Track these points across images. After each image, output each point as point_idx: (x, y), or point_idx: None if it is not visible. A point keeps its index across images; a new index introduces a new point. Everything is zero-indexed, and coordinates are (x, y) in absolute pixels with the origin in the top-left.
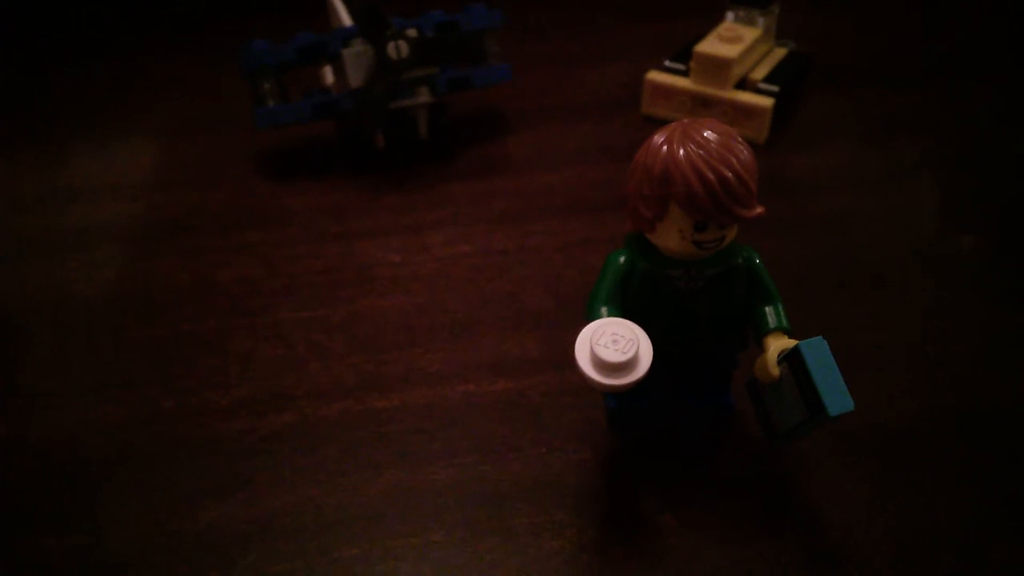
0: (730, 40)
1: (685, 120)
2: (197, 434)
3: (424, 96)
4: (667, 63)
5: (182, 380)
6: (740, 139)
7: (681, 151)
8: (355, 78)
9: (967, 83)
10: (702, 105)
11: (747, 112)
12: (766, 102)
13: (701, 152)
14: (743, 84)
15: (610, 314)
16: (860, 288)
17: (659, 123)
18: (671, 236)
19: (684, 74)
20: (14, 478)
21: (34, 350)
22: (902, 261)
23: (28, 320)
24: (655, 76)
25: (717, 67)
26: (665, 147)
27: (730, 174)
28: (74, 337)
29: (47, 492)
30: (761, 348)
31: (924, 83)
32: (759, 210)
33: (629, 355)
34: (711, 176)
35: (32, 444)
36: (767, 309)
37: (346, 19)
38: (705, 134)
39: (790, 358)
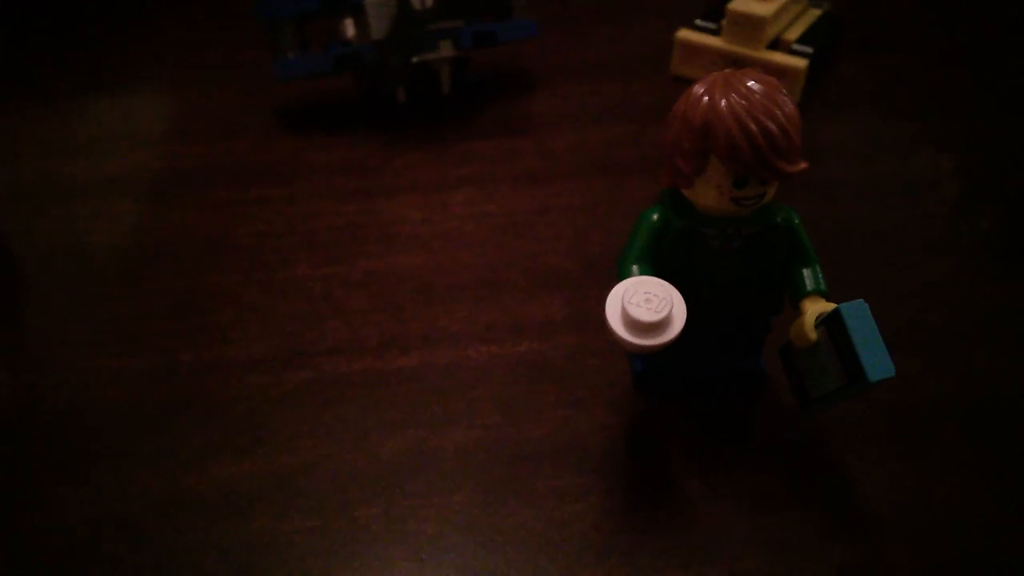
0: None
1: (727, 70)
2: (214, 389)
3: (447, 50)
4: (698, 21)
5: (199, 334)
6: (784, 91)
7: (723, 101)
8: (377, 30)
9: (998, 55)
10: (733, 65)
11: (780, 73)
12: (800, 63)
13: (744, 103)
14: (776, 44)
15: (642, 272)
16: (886, 258)
17: (689, 83)
18: (709, 192)
19: (716, 33)
20: (29, 430)
21: (50, 301)
22: (931, 233)
23: (45, 271)
24: (686, 34)
25: (750, 26)
26: (706, 97)
27: (774, 126)
28: (91, 289)
29: (62, 444)
30: (797, 311)
31: (957, 52)
32: (802, 165)
33: (662, 315)
34: (754, 128)
35: (48, 395)
36: (805, 271)
37: None
38: (749, 84)
39: (828, 322)
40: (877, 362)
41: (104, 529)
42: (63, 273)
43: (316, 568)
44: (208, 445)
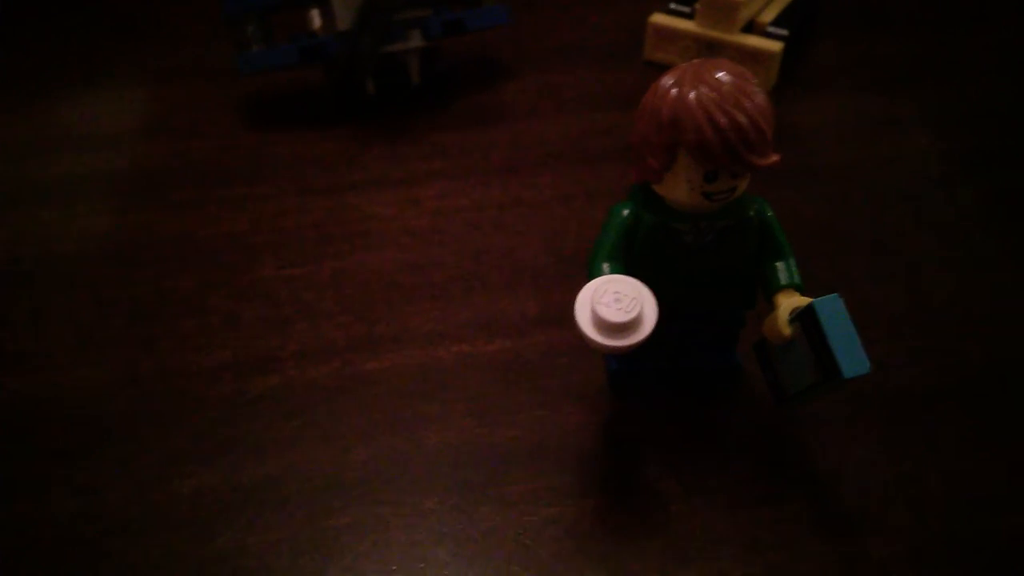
0: None
1: (696, 61)
2: (179, 398)
3: (416, 40)
4: (672, 5)
5: (163, 340)
6: (755, 81)
7: (692, 94)
8: (343, 20)
9: (977, 31)
10: (708, 49)
11: (755, 57)
12: (775, 46)
13: (713, 95)
14: (751, 27)
15: (613, 271)
16: (869, 242)
17: (663, 68)
18: (679, 187)
19: (689, 16)
20: None
21: (9, 308)
22: (914, 214)
23: (2, 276)
24: (659, 19)
25: (724, 9)
26: (674, 90)
27: (744, 119)
28: (50, 294)
29: (20, 457)
30: (771, 306)
31: (934, 29)
32: (774, 158)
33: (632, 315)
34: (724, 121)
35: (6, 407)
36: (778, 265)
37: None
38: (718, 76)
39: (803, 317)
40: (852, 358)
41: (65, 548)
42: (20, 277)
43: None
44: (173, 456)
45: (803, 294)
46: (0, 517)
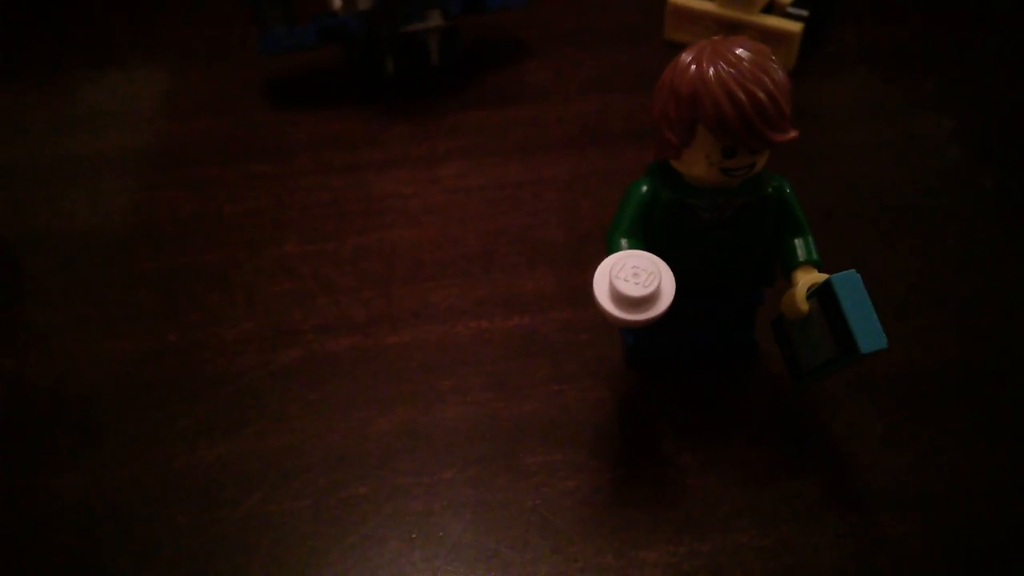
0: None
1: (716, 38)
2: (203, 369)
3: (436, 20)
4: None
5: (188, 314)
6: (774, 58)
7: (711, 70)
8: (363, 0)
9: (995, 16)
10: (727, 30)
11: (775, 37)
12: (795, 27)
13: (732, 71)
14: (771, 8)
15: (631, 246)
16: (889, 223)
17: (682, 49)
18: (698, 163)
19: None
20: (17, 414)
21: (37, 283)
22: (934, 197)
23: (31, 252)
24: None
25: None
26: (694, 66)
27: (763, 95)
28: (78, 270)
29: (51, 428)
30: (789, 282)
31: (952, 14)
32: (792, 134)
33: (650, 289)
34: (742, 97)
35: (35, 380)
36: (797, 241)
37: None
38: (737, 52)
39: (820, 293)
40: (869, 333)
41: (96, 514)
42: (48, 254)
43: (306, 548)
44: (197, 426)
45: (821, 271)
46: (26, 488)
